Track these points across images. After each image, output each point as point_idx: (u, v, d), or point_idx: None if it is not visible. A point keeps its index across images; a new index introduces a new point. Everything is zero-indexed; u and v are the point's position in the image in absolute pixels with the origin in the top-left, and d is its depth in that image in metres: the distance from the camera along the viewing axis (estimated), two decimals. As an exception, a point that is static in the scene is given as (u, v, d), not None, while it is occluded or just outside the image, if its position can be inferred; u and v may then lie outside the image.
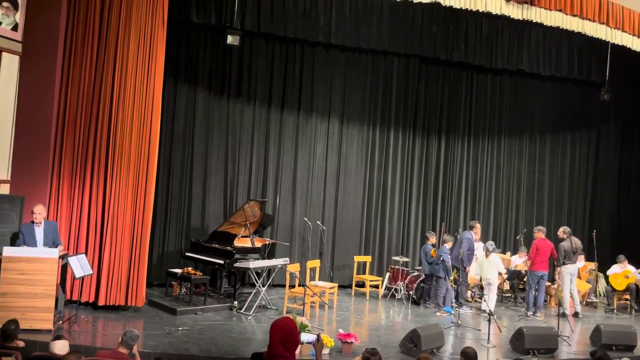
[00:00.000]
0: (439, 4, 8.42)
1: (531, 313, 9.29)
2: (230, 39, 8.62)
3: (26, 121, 7.85)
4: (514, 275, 10.26)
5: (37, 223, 7.00)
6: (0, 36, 7.68)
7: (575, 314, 9.50)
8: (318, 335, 4.25)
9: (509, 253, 11.07)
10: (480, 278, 9.50)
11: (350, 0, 9.96)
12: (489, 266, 9.18)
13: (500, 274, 9.52)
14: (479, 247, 9.85)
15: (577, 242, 9.70)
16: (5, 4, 7.72)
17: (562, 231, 9.68)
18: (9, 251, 6.65)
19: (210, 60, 10.10)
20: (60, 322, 6.99)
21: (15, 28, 7.84)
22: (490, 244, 9.47)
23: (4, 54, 7.75)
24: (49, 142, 7.83)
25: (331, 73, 10.81)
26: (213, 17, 9.46)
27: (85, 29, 7.90)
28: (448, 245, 9.32)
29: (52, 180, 7.84)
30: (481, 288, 9.73)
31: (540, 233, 9.40)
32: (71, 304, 7.51)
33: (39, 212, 7.02)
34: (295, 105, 10.63)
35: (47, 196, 7.80)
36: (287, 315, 6.85)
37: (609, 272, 10.49)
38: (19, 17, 7.87)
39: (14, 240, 7.17)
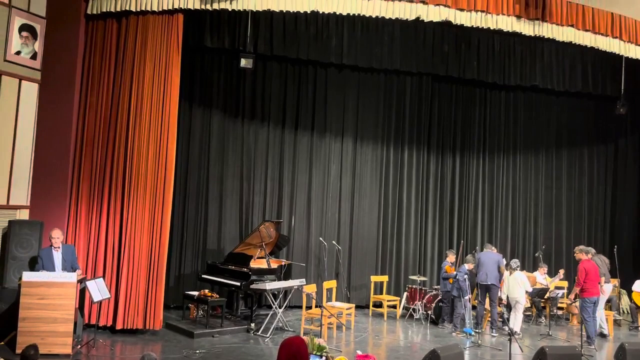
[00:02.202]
0: (450, 22, 8.47)
1: (594, 347, 8.45)
2: (243, 62, 8.73)
3: (45, 147, 8.00)
4: (534, 293, 10.07)
5: (55, 247, 7.08)
6: (20, 65, 7.87)
7: (602, 335, 9.25)
8: (326, 357, 4.20)
9: (541, 270, 10.72)
10: (507, 297, 9.28)
11: (361, 20, 10.05)
12: (514, 285, 9.02)
13: (526, 292, 9.34)
14: None
15: (605, 260, 9.52)
16: (24, 33, 7.93)
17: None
18: (28, 276, 6.72)
19: (224, 83, 10.24)
20: (79, 346, 7.01)
21: (34, 57, 8.04)
22: (515, 261, 9.31)
23: (23, 82, 7.93)
24: (67, 167, 7.97)
25: (344, 93, 10.88)
26: (227, 41, 9.60)
27: (102, 55, 8.11)
28: (468, 267, 9.14)
29: (70, 204, 7.96)
30: (507, 307, 9.47)
31: (582, 254, 8.73)
32: (89, 328, 7.54)
33: (58, 236, 7.11)
34: (309, 126, 10.69)
35: (66, 221, 7.91)
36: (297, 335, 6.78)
37: (633, 288, 10.26)
38: (38, 46, 8.07)
39: (33, 265, 7.25)
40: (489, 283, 8.92)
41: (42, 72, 8.10)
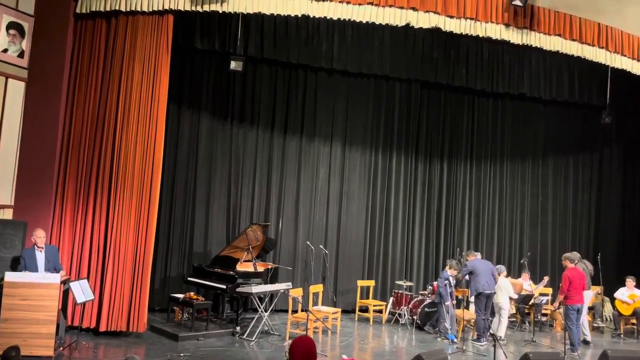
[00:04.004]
0: (439, 29, 8.52)
1: (577, 354, 8.45)
2: (233, 65, 8.73)
3: (31, 146, 7.92)
4: (519, 299, 10.14)
5: (39, 247, 7.00)
6: (7, 63, 7.79)
7: (585, 342, 9.32)
8: None
9: (524, 277, 10.79)
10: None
11: (352, 26, 10.09)
12: (499, 290, 9.06)
13: (511, 299, 9.38)
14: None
15: (589, 266, 9.61)
16: (12, 31, 7.85)
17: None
18: (10, 277, 6.63)
19: (213, 85, 10.21)
20: (61, 348, 6.93)
21: (21, 55, 7.97)
22: (500, 267, 9.35)
23: (9, 80, 7.85)
24: (53, 167, 7.89)
25: (333, 98, 10.90)
26: (217, 44, 9.58)
27: (90, 55, 8.05)
28: (450, 272, 9.11)
29: (55, 204, 7.88)
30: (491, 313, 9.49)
31: (567, 262, 8.75)
32: (72, 330, 7.46)
33: (42, 236, 7.03)
34: (298, 130, 10.69)
35: (50, 221, 7.82)
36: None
37: (616, 295, 10.37)
38: (25, 44, 8.00)
39: (15, 265, 7.15)
40: (493, 291, 8.84)
41: (30, 71, 8.03)
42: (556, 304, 9.01)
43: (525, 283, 10.37)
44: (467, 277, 9.03)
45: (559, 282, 9.39)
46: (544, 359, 7.24)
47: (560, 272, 9.37)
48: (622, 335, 10.13)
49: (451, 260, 9.54)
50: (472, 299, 9.22)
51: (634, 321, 10.29)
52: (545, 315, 10.51)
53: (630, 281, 10.30)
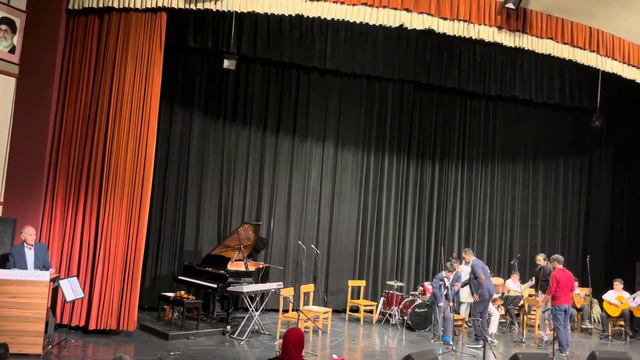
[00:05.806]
0: (432, 30, 8.56)
1: (565, 355, 8.37)
2: (226, 63, 8.72)
3: (21, 143, 7.86)
4: (509, 301, 10.20)
5: (28, 245, 6.94)
6: (-2, 58, 7.74)
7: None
8: None
9: (514, 278, 10.80)
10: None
11: (345, 26, 10.10)
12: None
13: (494, 299, 9.43)
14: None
15: None
16: (3, 26, 7.79)
17: (542, 258, 9.69)
18: (-1, 274, 6.58)
19: (206, 84, 10.19)
20: (50, 346, 6.88)
21: (12, 50, 7.90)
22: None
23: (0, 75, 7.78)
24: (44, 163, 7.84)
25: (326, 98, 10.91)
26: (210, 42, 9.56)
27: (82, 51, 8.00)
28: (444, 273, 9.12)
29: (45, 201, 7.83)
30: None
31: (555, 263, 8.80)
32: (61, 328, 7.41)
33: (31, 233, 6.97)
34: (291, 129, 10.69)
35: (40, 218, 7.76)
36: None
37: (604, 297, 10.46)
38: (17, 39, 7.93)
39: (4, 262, 7.09)
40: (492, 295, 8.86)
41: (20, 67, 7.96)
42: (542, 304, 9.08)
43: (515, 284, 10.42)
44: (465, 278, 9.06)
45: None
46: (532, 360, 7.29)
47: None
48: (609, 337, 10.20)
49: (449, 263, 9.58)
50: (470, 299, 9.22)
51: (622, 323, 10.37)
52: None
53: (617, 284, 10.39)
